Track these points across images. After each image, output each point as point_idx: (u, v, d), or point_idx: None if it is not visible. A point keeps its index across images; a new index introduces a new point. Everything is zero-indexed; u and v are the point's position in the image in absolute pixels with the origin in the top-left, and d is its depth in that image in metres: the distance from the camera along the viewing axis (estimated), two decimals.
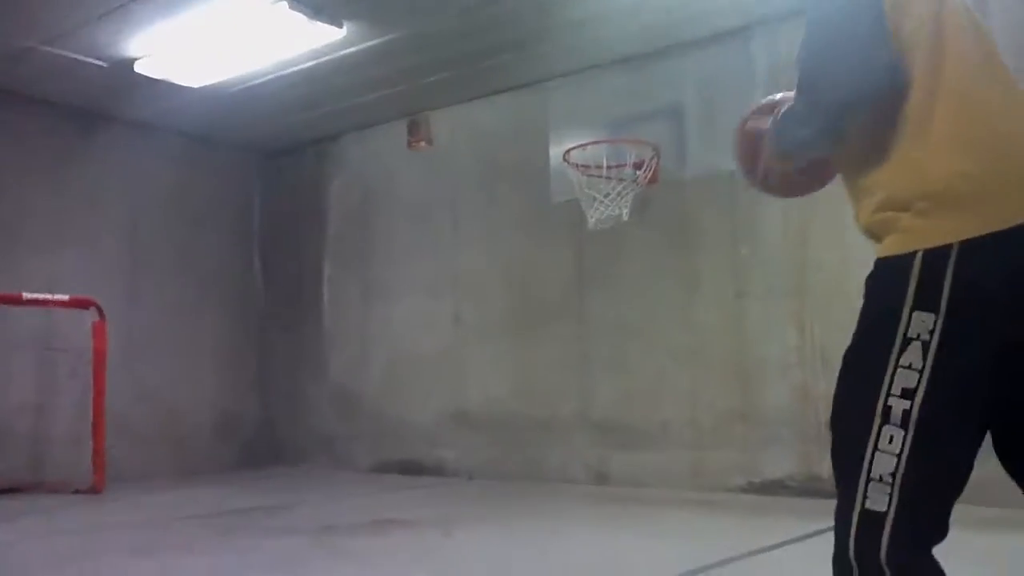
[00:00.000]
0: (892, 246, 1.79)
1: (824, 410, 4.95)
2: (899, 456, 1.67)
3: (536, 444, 6.12)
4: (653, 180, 5.47)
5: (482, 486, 5.98)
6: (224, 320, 7.65)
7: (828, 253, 5.07)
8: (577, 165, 5.44)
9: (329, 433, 7.35)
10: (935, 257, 1.71)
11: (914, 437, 1.67)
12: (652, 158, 5.42)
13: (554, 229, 6.13)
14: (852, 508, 1.71)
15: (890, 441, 1.68)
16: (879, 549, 1.66)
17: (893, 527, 1.67)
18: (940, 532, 1.72)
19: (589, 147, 5.43)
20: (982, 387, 1.71)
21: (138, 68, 5.84)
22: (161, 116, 6.91)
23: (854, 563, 1.69)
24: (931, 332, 1.69)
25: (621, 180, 5.37)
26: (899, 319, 1.73)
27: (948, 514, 1.72)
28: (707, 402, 5.45)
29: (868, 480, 1.69)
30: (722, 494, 5.17)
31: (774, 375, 5.20)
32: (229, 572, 3.32)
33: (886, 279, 1.80)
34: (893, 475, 1.67)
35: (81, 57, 5.72)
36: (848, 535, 1.72)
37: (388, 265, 7.14)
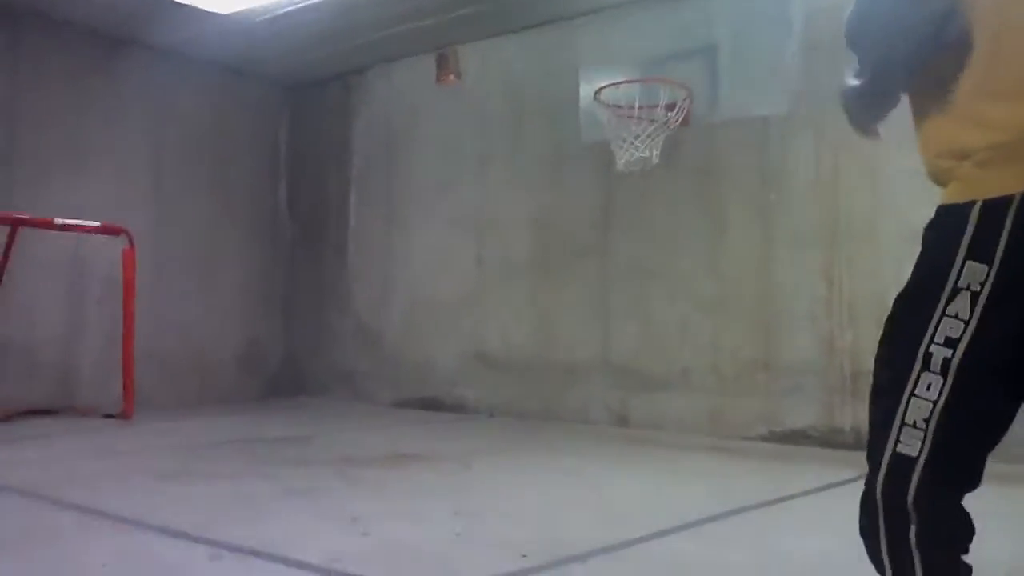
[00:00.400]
0: (953, 194, 1.75)
1: (849, 362, 4.95)
2: (935, 403, 1.67)
3: (557, 385, 6.14)
4: (684, 122, 5.38)
5: (502, 423, 6.04)
6: (250, 252, 7.68)
7: (859, 202, 4.99)
8: (608, 105, 5.35)
9: (351, 368, 7.42)
10: (994, 207, 1.68)
11: (952, 386, 1.66)
12: (684, 99, 5.32)
13: (581, 170, 6.07)
14: (884, 450, 1.72)
15: (928, 388, 1.68)
16: (907, 493, 1.67)
17: (923, 472, 1.67)
18: (971, 482, 1.72)
19: (621, 86, 5.34)
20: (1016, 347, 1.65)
21: None
22: (188, 43, 6.85)
23: (880, 504, 1.70)
24: (982, 283, 1.67)
25: (652, 121, 5.28)
26: (952, 267, 1.70)
27: (980, 465, 1.72)
28: (730, 349, 5.44)
29: (902, 424, 1.70)
30: (742, 442, 5.18)
31: (800, 324, 5.17)
32: (251, 497, 3.39)
33: (944, 227, 1.75)
34: (927, 421, 1.67)
35: None
36: (877, 476, 1.72)
37: (413, 201, 7.11)
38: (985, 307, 1.68)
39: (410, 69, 7.14)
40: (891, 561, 1.69)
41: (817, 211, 5.14)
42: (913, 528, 1.67)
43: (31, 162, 6.32)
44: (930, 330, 1.70)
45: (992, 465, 1.68)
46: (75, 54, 6.57)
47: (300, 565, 2.52)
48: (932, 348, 1.71)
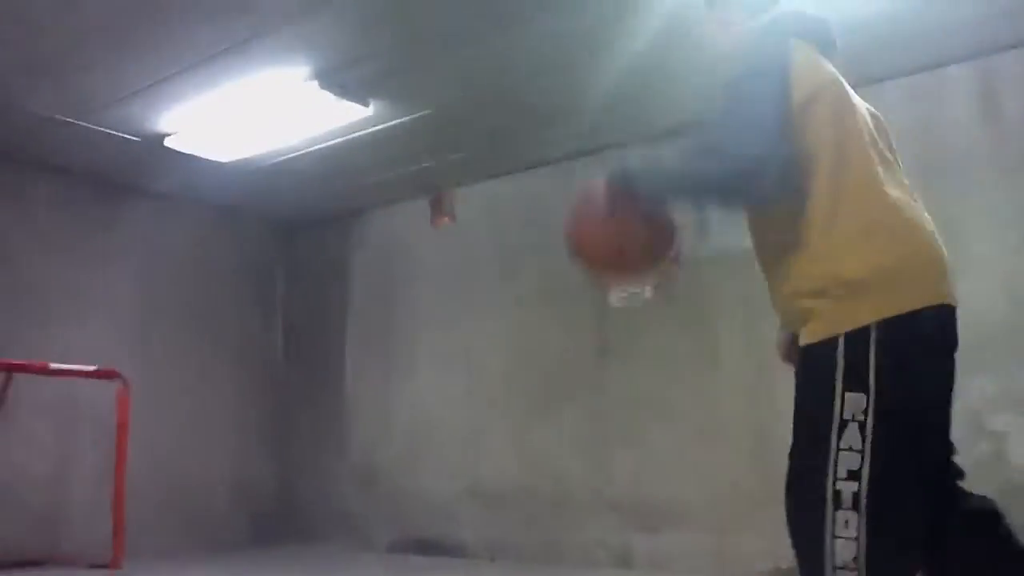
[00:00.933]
0: (815, 332, 1.88)
1: None
2: (857, 540, 1.69)
3: (556, 523, 6.01)
4: (675, 259, 5.46)
5: (502, 569, 5.86)
6: (244, 393, 7.65)
7: None
8: None
9: (347, 509, 7.27)
10: (857, 339, 1.79)
11: (868, 518, 1.68)
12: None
13: (573, 304, 6.13)
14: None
15: (846, 525, 1.70)
16: None
17: None
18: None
19: None
20: (922, 453, 1.76)
21: (168, 143, 5.98)
22: (187, 189, 7.04)
23: None
24: (864, 411, 1.75)
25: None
26: (833, 402, 1.79)
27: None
28: (730, 483, 5.35)
29: (834, 569, 1.70)
30: None
31: None
32: None
33: (815, 365, 1.86)
34: (856, 559, 1.68)
35: (114, 132, 5.87)
36: None
37: (409, 339, 7.15)
38: (874, 433, 1.74)
39: (406, 211, 7.32)
40: None
41: None
42: None
43: (29, 306, 6.37)
44: (831, 467, 1.75)
45: None
46: (75, 200, 6.74)
47: None
48: (839, 485, 1.74)
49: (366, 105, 5.43)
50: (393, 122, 5.75)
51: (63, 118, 5.66)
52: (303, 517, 7.56)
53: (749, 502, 5.25)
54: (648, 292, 5.36)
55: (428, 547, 6.62)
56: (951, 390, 1.92)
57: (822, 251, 1.91)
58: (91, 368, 6.03)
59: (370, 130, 5.86)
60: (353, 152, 6.24)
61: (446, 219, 7.06)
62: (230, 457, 7.46)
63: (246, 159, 6.32)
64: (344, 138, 5.98)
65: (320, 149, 6.18)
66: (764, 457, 5.23)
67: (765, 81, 1.90)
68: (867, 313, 1.83)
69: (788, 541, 5.00)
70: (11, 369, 5.75)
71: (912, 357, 1.82)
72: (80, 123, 5.73)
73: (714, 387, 5.49)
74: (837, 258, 1.88)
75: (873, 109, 2.19)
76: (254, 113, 5.52)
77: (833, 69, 2.05)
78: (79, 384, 6.21)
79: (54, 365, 5.85)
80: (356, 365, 7.53)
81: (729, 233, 5.53)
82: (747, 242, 5.44)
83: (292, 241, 8.19)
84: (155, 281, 7.17)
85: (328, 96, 5.24)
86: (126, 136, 5.93)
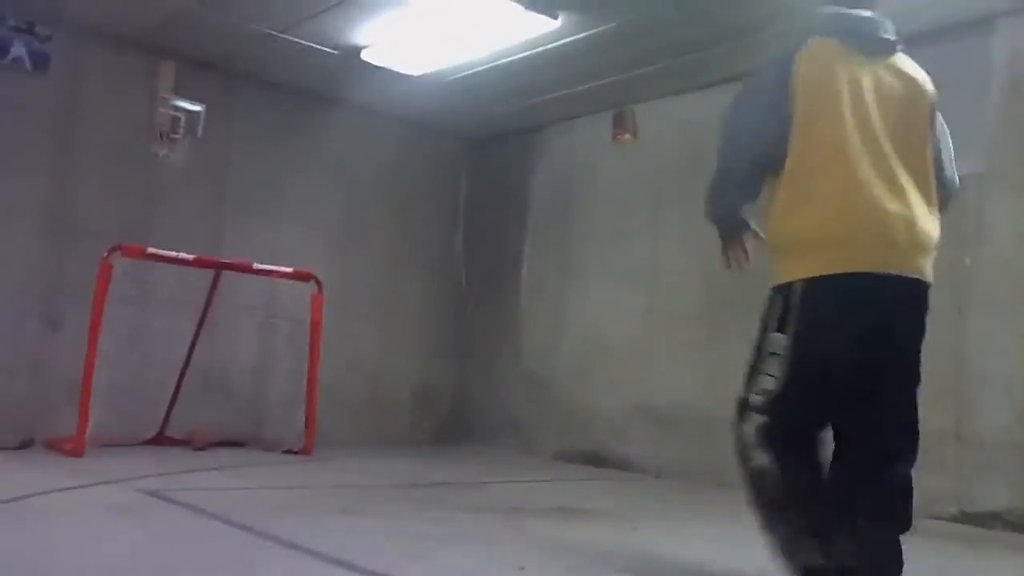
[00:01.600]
0: (774, 278, 2.49)
1: None
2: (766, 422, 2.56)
3: (727, 447, 5.96)
4: None
5: (669, 485, 5.92)
6: (427, 297, 7.98)
7: None
8: None
9: (518, 415, 7.51)
10: (789, 290, 2.41)
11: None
12: None
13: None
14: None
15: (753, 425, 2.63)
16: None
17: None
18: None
19: None
20: (821, 385, 2.42)
21: (364, 56, 6.18)
22: (380, 102, 7.27)
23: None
24: (785, 348, 2.42)
25: None
26: (765, 338, 2.49)
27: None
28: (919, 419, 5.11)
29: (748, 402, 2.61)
30: (930, 521, 4.84)
31: (996, 395, 4.81)
32: (421, 537, 3.47)
33: (767, 304, 2.53)
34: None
35: (314, 44, 6.12)
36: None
37: (585, 253, 7.18)
38: (788, 366, 2.41)
39: (588, 127, 7.27)
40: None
41: (1017, 274, 4.80)
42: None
43: (237, 210, 6.86)
44: (756, 380, 2.53)
45: None
46: (279, 111, 7.13)
47: None
48: (752, 399, 2.56)
49: (555, 18, 5.39)
50: (580, 35, 5.68)
51: (267, 30, 5.95)
52: (478, 421, 7.88)
53: (936, 442, 5.01)
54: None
55: (594, 459, 6.76)
56: (879, 347, 2.44)
57: (782, 215, 2.46)
58: (289, 270, 6.45)
59: (557, 44, 5.81)
60: (539, 67, 6.22)
61: (628, 136, 6.96)
62: (414, 359, 7.84)
63: (436, 72, 6.44)
64: (531, 52, 5.97)
65: (507, 63, 6.20)
66: (957, 397, 4.97)
67: (756, 88, 2.61)
68: (800, 270, 2.39)
69: (976, 485, 4.76)
70: (219, 267, 6.24)
71: (827, 313, 2.36)
72: (283, 36, 6.02)
73: None
74: (789, 223, 2.43)
75: (922, 86, 2.63)
76: (445, 26, 5.60)
77: (847, 67, 2.47)
78: (279, 284, 6.66)
79: (257, 265, 6.29)
80: (532, 275, 7.67)
81: None
82: (960, 168, 5.15)
83: (477, 155, 8.34)
84: (350, 189, 7.53)
85: (517, 8, 5.23)
86: (325, 49, 6.18)
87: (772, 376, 2.44)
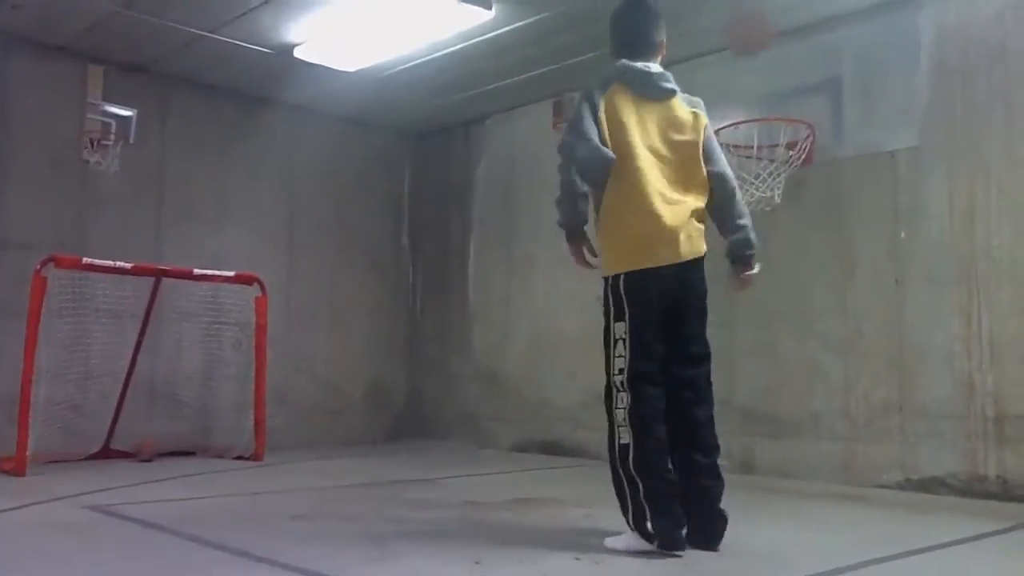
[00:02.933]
0: (604, 270, 3.38)
1: (993, 405, 4.69)
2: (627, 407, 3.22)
3: None
4: (807, 160, 5.27)
5: None
6: (375, 296, 7.92)
7: (998, 237, 4.76)
8: (727, 145, 5.29)
9: (472, 410, 7.50)
10: (616, 279, 3.32)
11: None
12: (807, 137, 5.22)
13: None
14: (613, 413, 3.29)
15: (621, 399, 3.25)
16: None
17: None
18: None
19: (741, 126, 5.28)
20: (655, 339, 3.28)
21: (297, 53, 6.10)
22: (318, 99, 7.19)
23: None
24: (626, 332, 3.27)
25: (772, 161, 5.20)
26: (610, 327, 3.34)
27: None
28: (861, 392, 5.23)
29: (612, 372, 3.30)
30: (876, 490, 4.95)
31: (936, 365, 4.93)
32: (379, 538, 3.45)
33: (605, 291, 3.38)
34: (622, 370, 3.24)
35: (246, 44, 6.02)
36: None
37: (532, 243, 7.19)
38: (631, 343, 3.25)
39: (529, 116, 7.27)
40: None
41: (952, 246, 4.93)
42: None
43: (175, 216, 6.73)
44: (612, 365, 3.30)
45: None
46: (217, 113, 7.01)
47: None
48: (614, 378, 3.28)
49: (488, 8, 5.37)
50: (515, 25, 5.67)
51: (197, 31, 5.83)
52: (432, 417, 7.86)
53: (881, 412, 5.13)
54: (777, 197, 5.22)
55: (550, 448, 6.79)
56: (672, 314, 3.31)
57: (605, 224, 3.39)
58: (231, 274, 6.35)
59: (492, 34, 5.80)
60: (476, 58, 6.20)
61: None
62: (364, 359, 7.79)
63: (372, 67, 6.39)
64: (466, 43, 5.95)
65: (444, 55, 6.18)
66: (899, 368, 5.09)
67: (580, 117, 3.32)
68: (621, 266, 3.33)
69: (919, 453, 4.87)
70: (159, 275, 6.11)
71: (638, 294, 3.26)
72: (213, 36, 5.91)
73: (849, 297, 5.32)
74: (609, 231, 3.37)
75: (693, 116, 3.43)
76: (378, 20, 5.54)
77: (635, 107, 3.35)
78: (222, 289, 6.55)
79: (198, 271, 6.18)
80: (480, 269, 7.66)
81: (871, 132, 5.29)
82: (890, 144, 5.26)
83: (419, 149, 8.29)
84: (292, 190, 7.44)
85: (450, 0, 5.20)
86: (258, 48, 6.08)
87: (622, 356, 3.22)
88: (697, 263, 3.39)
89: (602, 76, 3.42)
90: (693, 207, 3.35)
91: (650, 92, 3.40)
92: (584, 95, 3.36)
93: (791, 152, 5.16)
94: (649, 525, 3.12)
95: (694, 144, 3.40)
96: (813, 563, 3.13)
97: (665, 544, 3.12)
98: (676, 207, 3.30)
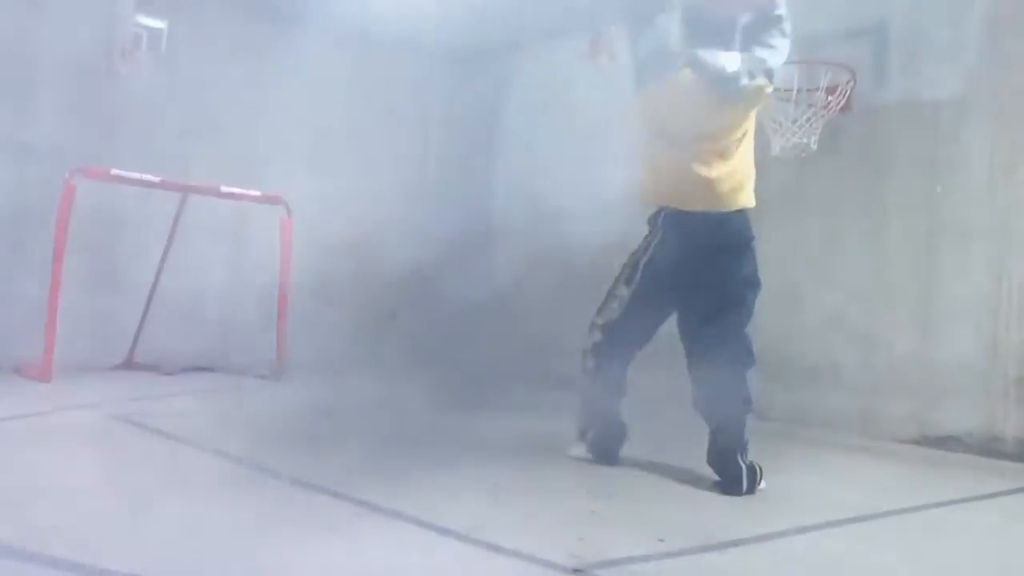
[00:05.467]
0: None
1: (1016, 365, 4.63)
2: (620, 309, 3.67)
3: None
4: (846, 107, 5.14)
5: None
6: (401, 223, 7.88)
7: None
8: None
9: (491, 345, 7.52)
10: (654, 214, 3.67)
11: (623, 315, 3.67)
12: (848, 82, 5.09)
13: None
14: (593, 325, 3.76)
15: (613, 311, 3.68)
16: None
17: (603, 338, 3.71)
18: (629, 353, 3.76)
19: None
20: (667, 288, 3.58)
21: None
22: (351, 18, 7.06)
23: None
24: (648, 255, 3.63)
25: (811, 106, 5.08)
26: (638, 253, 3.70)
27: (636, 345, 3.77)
28: (883, 344, 5.19)
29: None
30: (892, 444, 4.95)
31: (962, 322, 4.88)
32: (404, 462, 3.50)
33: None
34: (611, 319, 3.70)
35: None
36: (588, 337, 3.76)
37: (559, 176, 7.10)
38: (643, 269, 3.62)
39: (566, 48, 7.13)
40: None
41: (990, 203, 4.83)
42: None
43: (204, 131, 6.68)
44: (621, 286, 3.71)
45: None
46: (249, 28, 6.91)
47: (442, 531, 2.59)
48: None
49: None
50: None
51: None
52: (448, 346, 7.89)
53: (901, 367, 5.10)
54: (813, 143, 5.11)
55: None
56: (696, 265, 3.53)
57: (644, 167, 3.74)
58: (257, 193, 6.33)
59: None
60: None
61: (604, 57, 6.82)
62: (386, 285, 7.79)
63: None
64: None
65: None
66: (924, 323, 5.04)
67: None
68: (654, 201, 3.70)
69: (938, 409, 4.85)
70: (185, 190, 6.11)
71: (672, 233, 3.59)
72: None
73: (878, 248, 5.24)
74: (648, 162, 3.71)
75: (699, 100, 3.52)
76: None
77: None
78: (248, 207, 6.54)
79: (224, 188, 6.17)
80: (504, 199, 7.60)
81: (915, 81, 5.16)
82: (937, 94, 5.10)
83: (452, 72, 8.17)
84: (323, 108, 7.36)
85: None
86: None
87: (629, 285, 3.69)
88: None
89: None
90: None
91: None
92: None
93: (830, 97, 5.03)
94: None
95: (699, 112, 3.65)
96: (826, 511, 3.15)
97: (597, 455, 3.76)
98: (687, 167, 3.63)
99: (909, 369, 5.08)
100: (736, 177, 3.59)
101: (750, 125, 3.65)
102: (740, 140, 3.59)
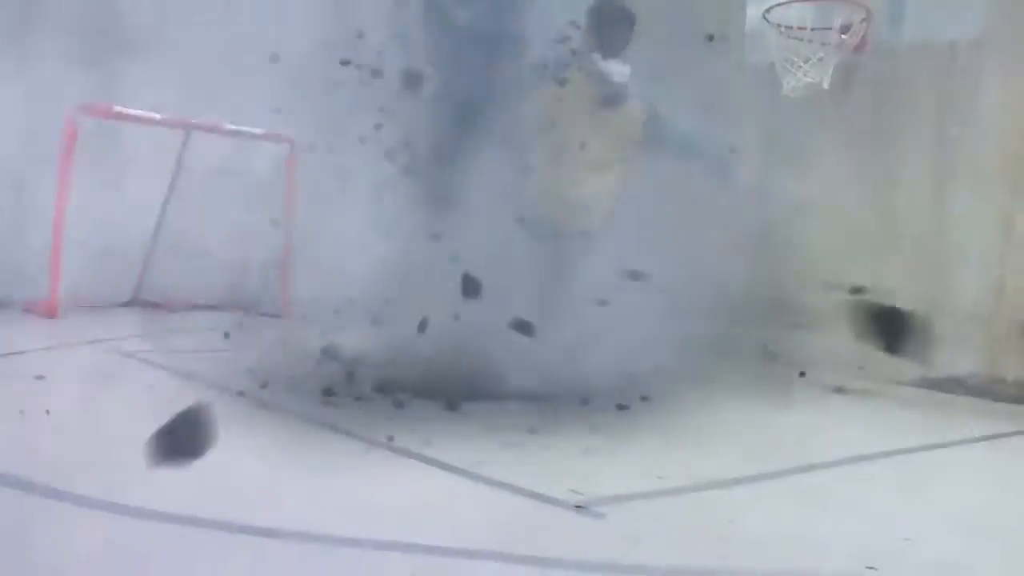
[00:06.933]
0: None
1: (1021, 308, 4.60)
2: None
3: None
4: (861, 46, 5.06)
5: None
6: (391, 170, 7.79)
7: None
8: (778, 25, 5.08)
9: None
10: None
11: None
12: (862, 21, 4.99)
13: (743, 94, 5.81)
14: None
15: None
16: None
17: None
18: None
19: (793, 5, 5.05)
20: None
21: None
22: None
23: None
24: None
25: (824, 44, 5.00)
26: None
27: None
28: (890, 288, 5.18)
29: None
30: (892, 386, 4.97)
31: (970, 266, 4.86)
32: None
33: None
34: None
35: None
36: None
37: None
38: None
39: None
40: None
41: (1002, 146, 4.77)
42: None
43: (207, 68, 6.58)
44: None
45: None
46: None
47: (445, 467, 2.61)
48: None
49: None
50: None
51: None
52: None
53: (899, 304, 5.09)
54: (826, 81, 5.04)
55: None
56: None
57: None
58: (261, 131, 6.28)
59: None
60: None
61: None
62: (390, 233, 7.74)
63: None
64: None
65: None
66: (930, 266, 5.02)
67: None
68: None
69: (941, 352, 4.84)
70: (189, 127, 6.06)
71: None
72: None
73: (887, 192, 5.20)
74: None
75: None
76: None
77: None
78: (253, 145, 6.49)
79: (229, 125, 6.12)
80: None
81: (931, 20, 5.06)
82: (950, 33, 4.99)
83: None
84: (328, 48, 7.22)
85: None
86: None
87: None
88: None
89: None
90: None
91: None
92: None
93: (844, 36, 4.94)
94: None
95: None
96: (828, 451, 3.17)
97: None
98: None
99: (914, 312, 5.06)
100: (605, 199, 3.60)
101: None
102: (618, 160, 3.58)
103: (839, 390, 4.77)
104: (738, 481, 2.69)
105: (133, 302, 6.13)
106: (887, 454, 3.20)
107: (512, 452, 2.85)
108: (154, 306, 6.09)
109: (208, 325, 5.57)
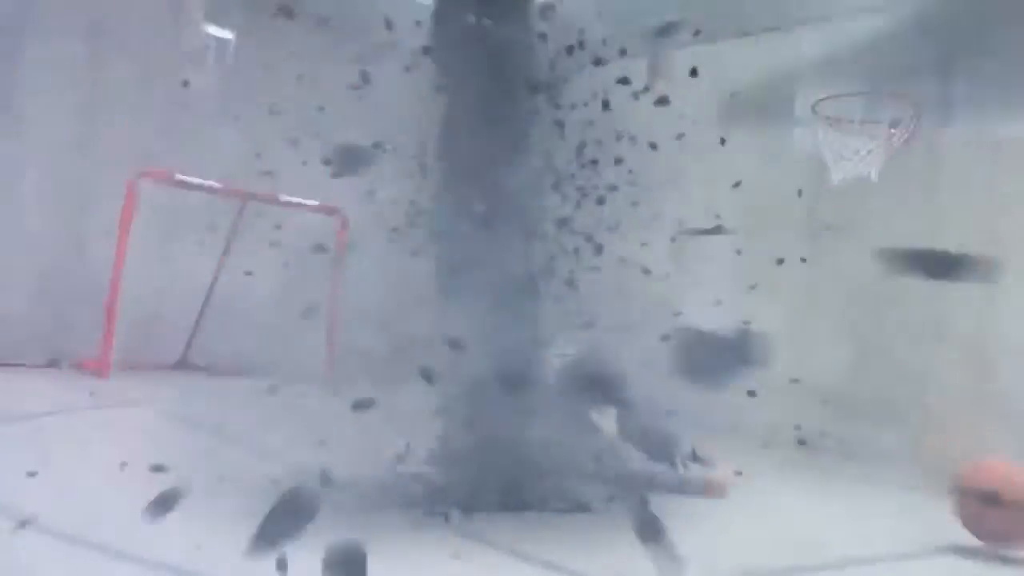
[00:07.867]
0: None
1: None
2: None
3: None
4: (909, 141, 5.08)
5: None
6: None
7: None
8: (826, 117, 5.13)
9: None
10: None
11: None
12: (911, 116, 5.02)
13: (788, 180, 5.82)
14: None
15: None
16: None
17: None
18: None
19: (842, 98, 5.11)
20: None
21: None
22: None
23: None
24: None
25: (873, 138, 5.03)
26: None
27: None
28: (938, 384, 5.08)
29: None
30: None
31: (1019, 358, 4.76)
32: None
33: None
34: None
35: None
36: None
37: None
38: None
39: (622, 72, 7.11)
40: None
41: None
42: None
43: (267, 143, 6.77)
44: None
45: None
46: (315, 41, 7.01)
47: None
48: None
49: None
50: None
51: None
52: None
53: (957, 407, 4.98)
54: (874, 175, 5.04)
55: None
56: None
57: None
58: (315, 203, 6.42)
59: None
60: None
61: (661, 81, 6.81)
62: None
63: None
64: None
65: None
66: (980, 363, 4.92)
67: None
68: None
69: (987, 448, 4.72)
70: (246, 197, 6.22)
71: None
72: None
73: (938, 285, 5.14)
74: None
75: None
76: None
77: None
78: (305, 217, 6.62)
79: (284, 197, 6.27)
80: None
81: (979, 118, 5.07)
82: (997, 132, 4.97)
83: None
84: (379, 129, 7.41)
85: None
86: None
87: None
88: None
89: None
90: None
91: None
92: None
93: (893, 131, 4.97)
94: None
95: None
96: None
97: None
98: None
99: (963, 410, 4.96)
100: None
101: None
102: None
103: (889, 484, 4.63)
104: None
105: (181, 365, 6.22)
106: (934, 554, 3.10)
107: None
108: (200, 369, 6.17)
109: (249, 390, 5.62)
